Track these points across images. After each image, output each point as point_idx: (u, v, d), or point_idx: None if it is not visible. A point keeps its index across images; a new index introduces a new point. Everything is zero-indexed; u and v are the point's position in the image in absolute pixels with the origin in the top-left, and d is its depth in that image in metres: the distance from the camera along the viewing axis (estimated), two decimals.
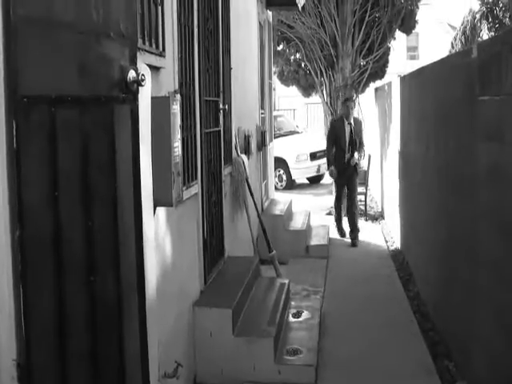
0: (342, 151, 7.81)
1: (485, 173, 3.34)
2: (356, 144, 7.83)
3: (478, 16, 14.36)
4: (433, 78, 5.10)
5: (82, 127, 1.84)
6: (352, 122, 7.88)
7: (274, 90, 26.21)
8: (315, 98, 12.58)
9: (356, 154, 7.82)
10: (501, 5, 13.49)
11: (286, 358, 3.88)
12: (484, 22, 13.90)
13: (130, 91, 2.13)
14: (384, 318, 5.05)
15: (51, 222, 1.66)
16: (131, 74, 2.13)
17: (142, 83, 2.17)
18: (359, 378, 3.94)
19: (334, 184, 8.73)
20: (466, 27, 14.76)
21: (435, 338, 4.52)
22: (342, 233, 8.32)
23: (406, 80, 6.94)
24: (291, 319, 4.63)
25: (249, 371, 3.74)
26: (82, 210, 1.84)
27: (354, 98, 10.21)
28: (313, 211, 9.33)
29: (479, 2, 14.15)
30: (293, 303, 5.04)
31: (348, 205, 8.00)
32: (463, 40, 14.53)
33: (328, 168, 8.08)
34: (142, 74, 2.17)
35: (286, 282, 5.06)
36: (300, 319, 4.64)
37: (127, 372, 2.09)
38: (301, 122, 25.23)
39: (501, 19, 13.24)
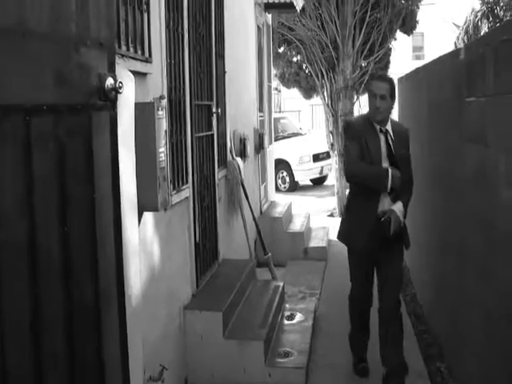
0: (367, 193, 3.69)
1: (471, 175, 3.35)
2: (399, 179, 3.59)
3: (479, 15, 14.34)
4: (426, 79, 5.10)
5: (58, 135, 1.86)
6: (390, 128, 3.69)
7: (280, 92, 26.09)
8: (318, 99, 12.58)
9: (400, 205, 3.64)
10: (501, 4, 13.46)
11: (277, 360, 3.90)
12: (485, 21, 13.88)
13: (108, 99, 2.16)
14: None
15: (26, 229, 1.69)
16: (109, 81, 2.14)
17: (120, 90, 2.20)
18: (349, 380, 3.95)
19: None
20: (468, 26, 14.74)
21: (429, 340, 4.52)
22: (359, 370, 4.02)
23: (403, 81, 6.94)
24: (284, 321, 4.64)
25: (239, 374, 3.76)
26: (57, 217, 1.86)
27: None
28: (315, 213, 9.34)
29: (480, 2, 14.13)
30: (287, 305, 5.05)
31: (380, 314, 3.96)
32: (466, 39, 14.51)
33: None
34: (120, 82, 2.19)
35: (281, 284, 5.07)
36: (293, 321, 4.65)
37: (106, 376, 2.11)
38: (306, 123, 25.24)
39: (501, 18, 13.24)
